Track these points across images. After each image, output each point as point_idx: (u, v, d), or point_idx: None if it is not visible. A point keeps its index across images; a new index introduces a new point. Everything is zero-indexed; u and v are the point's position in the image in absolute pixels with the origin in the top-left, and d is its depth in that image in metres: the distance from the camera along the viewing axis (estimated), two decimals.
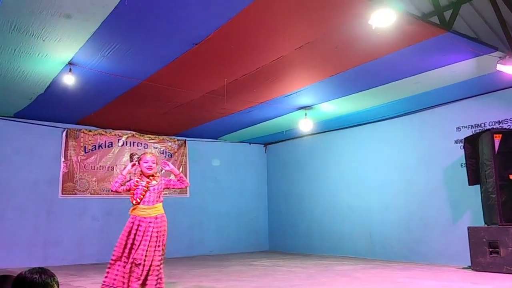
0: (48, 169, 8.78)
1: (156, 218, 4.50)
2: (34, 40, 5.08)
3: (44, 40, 5.09)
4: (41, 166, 8.71)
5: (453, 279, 5.89)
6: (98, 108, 8.00)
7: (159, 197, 4.60)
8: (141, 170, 4.64)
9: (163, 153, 10.25)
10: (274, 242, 11.46)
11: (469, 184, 7.10)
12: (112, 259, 4.42)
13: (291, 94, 7.37)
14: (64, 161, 8.95)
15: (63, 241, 8.70)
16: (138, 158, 4.80)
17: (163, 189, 4.67)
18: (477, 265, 6.54)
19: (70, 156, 9.04)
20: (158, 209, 4.55)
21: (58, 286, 1.88)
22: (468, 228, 6.80)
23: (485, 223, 6.75)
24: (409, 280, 5.85)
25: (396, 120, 8.73)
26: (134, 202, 4.52)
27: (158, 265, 4.40)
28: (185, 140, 10.57)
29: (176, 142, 10.47)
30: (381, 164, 8.96)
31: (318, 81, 6.75)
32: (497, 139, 6.63)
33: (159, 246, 4.43)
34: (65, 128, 9.04)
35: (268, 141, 11.68)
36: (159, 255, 4.43)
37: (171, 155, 10.35)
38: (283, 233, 11.18)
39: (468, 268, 6.77)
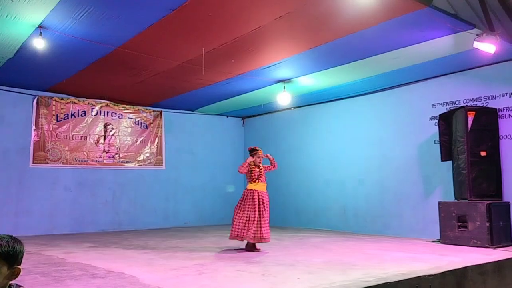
0: (18, 138, 8.53)
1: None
2: (1, 1, 4.83)
3: (12, 1, 4.84)
4: (11, 134, 8.45)
5: (421, 251, 6.06)
6: (70, 75, 7.74)
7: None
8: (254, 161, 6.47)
9: (138, 123, 10.06)
10: None
11: (442, 160, 7.25)
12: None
13: (270, 66, 7.28)
14: (35, 130, 8.70)
15: (34, 211, 8.54)
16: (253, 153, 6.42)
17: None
18: (446, 238, 6.74)
19: (42, 125, 8.78)
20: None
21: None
22: (439, 203, 6.98)
23: (455, 198, 6.93)
24: (379, 252, 5.99)
25: (373, 95, 8.77)
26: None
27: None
28: (161, 111, 10.39)
29: (152, 113, 10.29)
30: (357, 139, 9.03)
31: (297, 54, 6.67)
32: (471, 117, 6.75)
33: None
34: (36, 95, 8.75)
35: (246, 115, 11.61)
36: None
37: (146, 126, 10.18)
38: None
39: (438, 241, 6.97)
